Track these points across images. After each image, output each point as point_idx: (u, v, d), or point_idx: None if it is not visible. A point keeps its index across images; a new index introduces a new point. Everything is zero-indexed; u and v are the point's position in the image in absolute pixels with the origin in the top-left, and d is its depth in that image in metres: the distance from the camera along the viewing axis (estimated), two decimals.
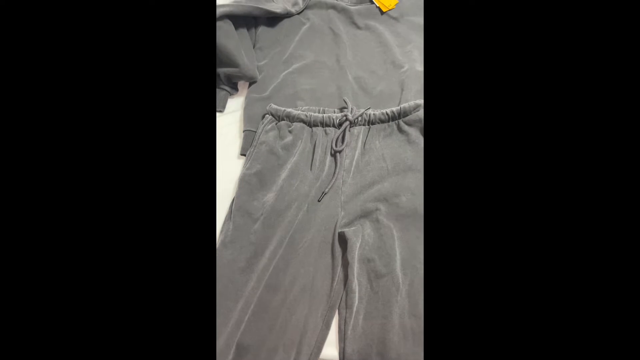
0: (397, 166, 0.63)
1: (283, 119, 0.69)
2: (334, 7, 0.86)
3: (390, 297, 0.54)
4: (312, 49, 0.81)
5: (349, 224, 0.61)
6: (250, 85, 0.80)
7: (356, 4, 0.87)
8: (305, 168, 0.65)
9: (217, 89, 0.80)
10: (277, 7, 0.83)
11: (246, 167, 0.67)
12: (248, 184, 0.65)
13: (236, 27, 0.79)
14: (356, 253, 0.58)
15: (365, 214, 0.61)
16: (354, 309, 0.55)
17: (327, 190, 0.62)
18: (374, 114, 0.66)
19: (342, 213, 0.61)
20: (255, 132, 0.71)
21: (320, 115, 0.68)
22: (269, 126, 0.69)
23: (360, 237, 0.59)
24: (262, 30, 0.84)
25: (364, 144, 0.66)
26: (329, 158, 0.65)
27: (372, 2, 0.86)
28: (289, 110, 0.69)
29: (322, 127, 0.67)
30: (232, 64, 0.75)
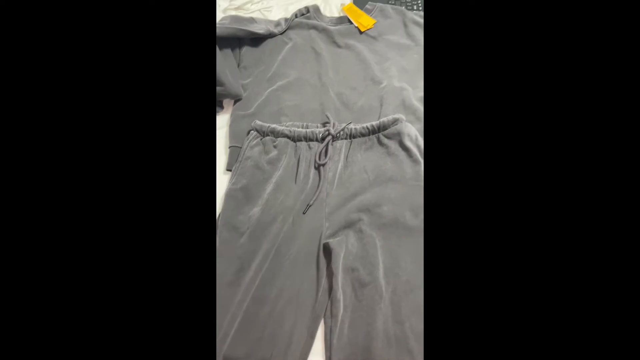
0: (378, 177, 0.65)
1: (268, 135, 0.70)
2: (315, 27, 0.89)
3: (374, 304, 0.55)
4: (295, 67, 0.84)
5: (333, 234, 0.62)
6: (235, 102, 0.82)
7: (336, 24, 0.90)
8: (290, 182, 0.67)
9: None
10: (260, 29, 0.86)
11: (232, 182, 0.68)
12: (234, 199, 0.66)
13: (221, 48, 0.81)
14: (340, 263, 0.59)
15: (349, 225, 0.62)
16: (339, 318, 0.56)
17: (311, 202, 0.64)
18: (355, 128, 0.68)
19: (327, 224, 0.63)
20: (241, 147, 0.72)
21: (304, 130, 0.69)
22: (254, 142, 0.70)
23: (344, 247, 0.60)
24: (246, 50, 0.87)
25: (347, 157, 0.68)
26: (312, 171, 0.67)
27: (351, 23, 0.90)
28: (273, 126, 0.70)
29: (306, 141, 0.69)
30: (217, 83, 0.77)
